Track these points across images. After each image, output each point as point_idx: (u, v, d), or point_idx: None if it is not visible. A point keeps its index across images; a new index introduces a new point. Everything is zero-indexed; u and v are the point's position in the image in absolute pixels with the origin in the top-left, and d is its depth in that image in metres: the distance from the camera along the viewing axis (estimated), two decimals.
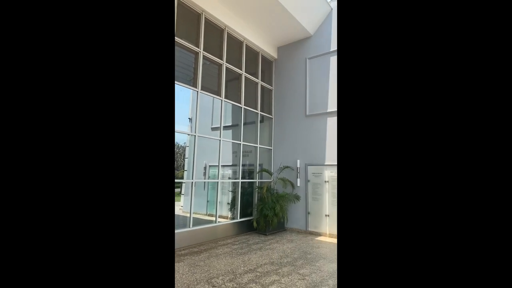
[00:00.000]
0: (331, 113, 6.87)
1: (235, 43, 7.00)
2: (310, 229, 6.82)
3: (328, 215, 6.61)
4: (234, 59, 6.88)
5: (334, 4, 7.18)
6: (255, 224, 6.50)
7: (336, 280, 3.70)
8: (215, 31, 6.36)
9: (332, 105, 6.90)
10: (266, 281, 3.57)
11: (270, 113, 8.03)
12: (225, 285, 3.40)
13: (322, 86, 7.15)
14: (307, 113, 7.30)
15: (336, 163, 6.60)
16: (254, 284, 3.46)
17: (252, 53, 7.57)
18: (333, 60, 7.04)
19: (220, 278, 3.64)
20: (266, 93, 8.04)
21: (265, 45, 7.77)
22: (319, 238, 6.34)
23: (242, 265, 4.22)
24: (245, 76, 7.16)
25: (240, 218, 6.64)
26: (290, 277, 3.75)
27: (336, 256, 4.85)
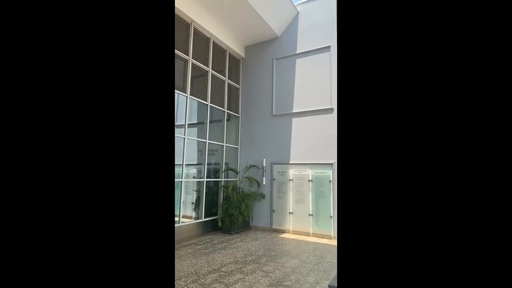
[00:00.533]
0: (296, 114, 7.07)
1: (202, 39, 6.85)
2: (274, 226, 6.95)
3: (292, 213, 6.80)
4: (200, 56, 6.73)
5: (300, 8, 7.40)
6: (220, 223, 6.44)
7: (298, 275, 3.82)
8: (181, 26, 6.15)
9: (297, 106, 7.11)
10: (230, 280, 3.56)
11: (237, 111, 8.01)
12: (187, 287, 3.32)
13: (288, 87, 7.33)
14: (274, 113, 7.43)
15: (300, 162, 6.82)
16: (218, 284, 3.42)
17: (220, 51, 7.48)
18: (299, 62, 7.26)
19: (183, 279, 3.53)
20: (233, 91, 8.00)
21: (232, 43, 7.73)
22: (283, 235, 6.50)
23: (206, 265, 4.14)
24: (211, 74, 7.04)
25: (204, 217, 6.52)
26: (254, 275, 3.78)
27: (298, 252, 5.02)
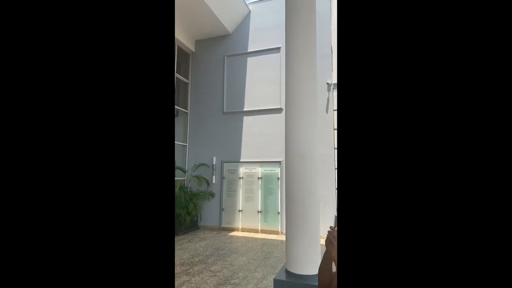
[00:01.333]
0: (247, 112, 7.11)
1: None
2: (223, 225, 6.89)
3: (241, 210, 6.83)
4: None
5: (252, 7, 7.46)
6: None
7: (246, 272, 3.84)
8: None
9: (248, 104, 7.15)
10: (176, 283, 3.39)
11: (185, 107, 7.69)
12: None
13: (239, 85, 7.32)
14: (225, 111, 7.34)
15: (250, 160, 6.88)
16: None
17: None
18: (250, 61, 7.31)
19: None
20: (182, 86, 7.66)
21: (182, 36, 7.39)
22: (232, 233, 6.48)
23: None
24: None
25: None
26: (201, 276, 3.67)
27: (247, 249, 5.05)
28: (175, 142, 7.15)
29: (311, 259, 2.62)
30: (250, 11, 7.46)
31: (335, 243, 0.99)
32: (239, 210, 6.85)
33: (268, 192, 6.66)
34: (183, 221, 6.13)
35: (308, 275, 2.56)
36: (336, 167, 6.28)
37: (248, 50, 7.33)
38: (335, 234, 1.01)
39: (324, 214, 5.76)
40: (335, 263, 0.99)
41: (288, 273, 2.68)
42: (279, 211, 6.42)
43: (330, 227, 1.07)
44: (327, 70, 6.48)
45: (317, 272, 2.83)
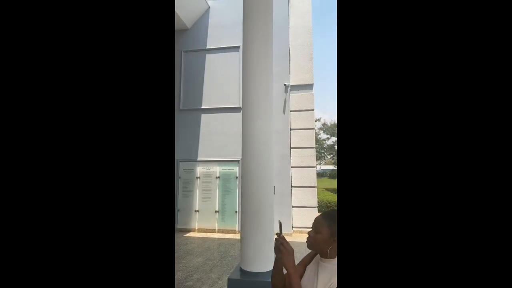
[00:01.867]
0: (205, 110, 6.96)
1: None
2: (179, 226, 6.65)
3: (198, 211, 6.66)
4: None
5: (211, 3, 7.32)
6: None
7: (201, 273, 3.76)
8: None
9: (206, 102, 7.00)
10: None
11: None
12: None
13: (197, 81, 7.13)
14: (181, 107, 7.08)
15: (208, 159, 6.75)
16: None
17: None
18: (209, 58, 7.17)
19: None
20: None
21: None
22: (188, 234, 6.29)
23: None
24: None
25: None
26: None
27: (203, 250, 4.95)
28: None
29: (265, 256, 2.66)
30: (209, 7, 7.31)
31: (283, 249, 1.01)
32: (195, 211, 6.68)
33: (226, 191, 6.61)
34: None
35: (262, 272, 2.60)
36: (292, 165, 6.51)
37: (207, 47, 7.17)
38: (283, 240, 1.03)
39: (280, 211, 5.94)
40: (285, 268, 1.01)
41: (242, 271, 2.69)
42: (237, 210, 6.41)
43: (277, 234, 1.08)
44: (285, 71, 6.66)
45: (270, 269, 2.87)
